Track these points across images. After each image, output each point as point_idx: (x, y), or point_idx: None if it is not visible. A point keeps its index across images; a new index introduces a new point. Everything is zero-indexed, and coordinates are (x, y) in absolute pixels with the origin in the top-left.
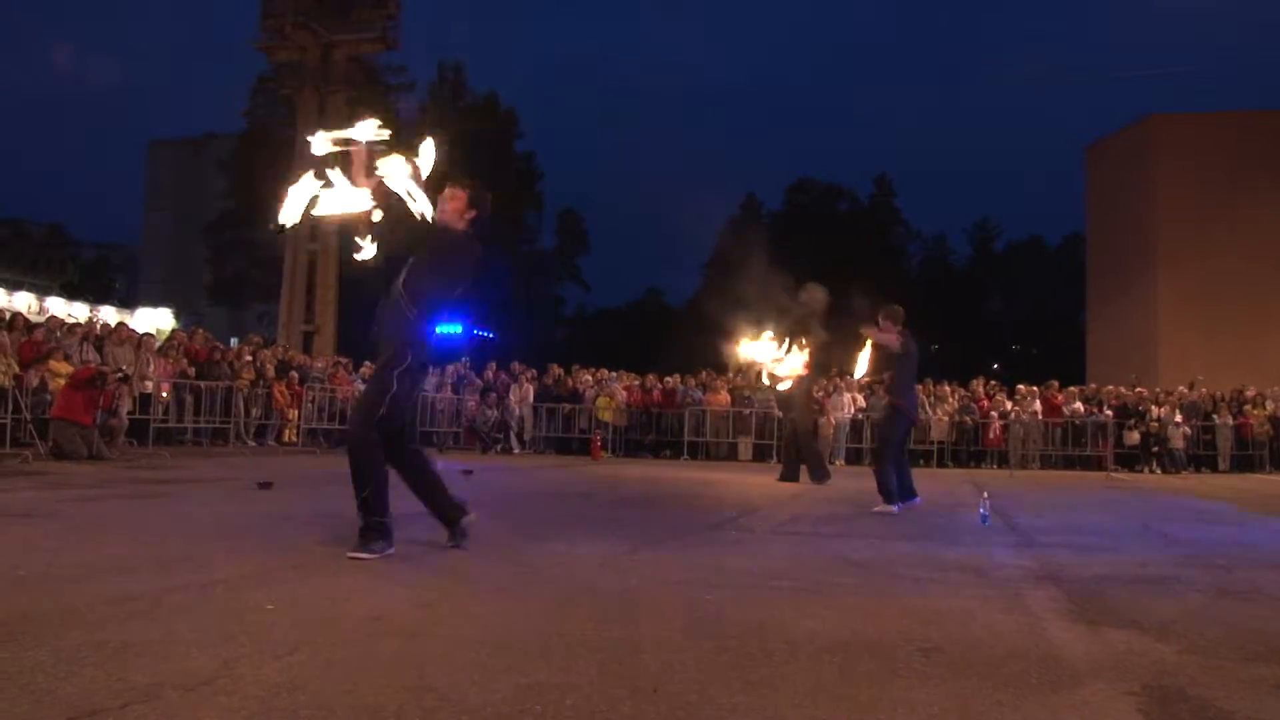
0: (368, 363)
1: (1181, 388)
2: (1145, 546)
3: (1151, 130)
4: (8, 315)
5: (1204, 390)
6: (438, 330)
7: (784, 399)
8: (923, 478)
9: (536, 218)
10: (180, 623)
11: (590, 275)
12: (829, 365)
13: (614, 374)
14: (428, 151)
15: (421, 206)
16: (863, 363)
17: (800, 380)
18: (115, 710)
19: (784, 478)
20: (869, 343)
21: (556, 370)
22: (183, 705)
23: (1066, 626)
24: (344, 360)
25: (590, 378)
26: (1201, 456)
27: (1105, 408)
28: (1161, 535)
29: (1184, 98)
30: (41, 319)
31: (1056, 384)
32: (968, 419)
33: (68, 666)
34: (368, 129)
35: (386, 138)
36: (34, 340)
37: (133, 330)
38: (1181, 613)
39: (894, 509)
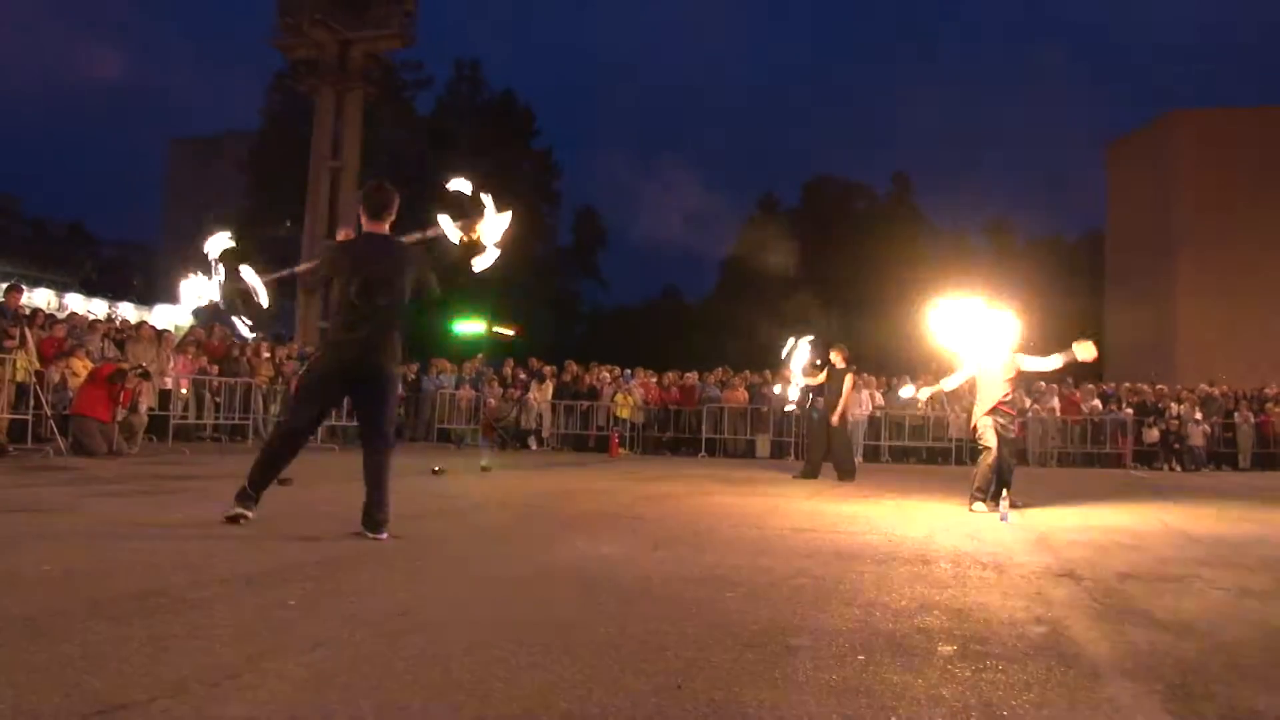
0: None
1: (1202, 385)
2: (1165, 544)
3: (1173, 126)
4: (28, 311)
5: (1225, 387)
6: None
7: (815, 392)
8: (941, 476)
9: (554, 215)
10: (204, 618)
11: (607, 272)
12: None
13: (629, 371)
14: None
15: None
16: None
17: (835, 373)
18: (143, 704)
19: (804, 475)
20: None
21: (574, 367)
22: (209, 700)
23: (1088, 624)
24: None
25: (608, 375)
26: (1222, 454)
27: (1124, 405)
28: (1181, 533)
29: (1204, 95)
30: (62, 315)
31: (1074, 381)
32: None
33: (95, 661)
34: None
35: None
36: (55, 337)
37: (152, 327)
38: (1204, 611)
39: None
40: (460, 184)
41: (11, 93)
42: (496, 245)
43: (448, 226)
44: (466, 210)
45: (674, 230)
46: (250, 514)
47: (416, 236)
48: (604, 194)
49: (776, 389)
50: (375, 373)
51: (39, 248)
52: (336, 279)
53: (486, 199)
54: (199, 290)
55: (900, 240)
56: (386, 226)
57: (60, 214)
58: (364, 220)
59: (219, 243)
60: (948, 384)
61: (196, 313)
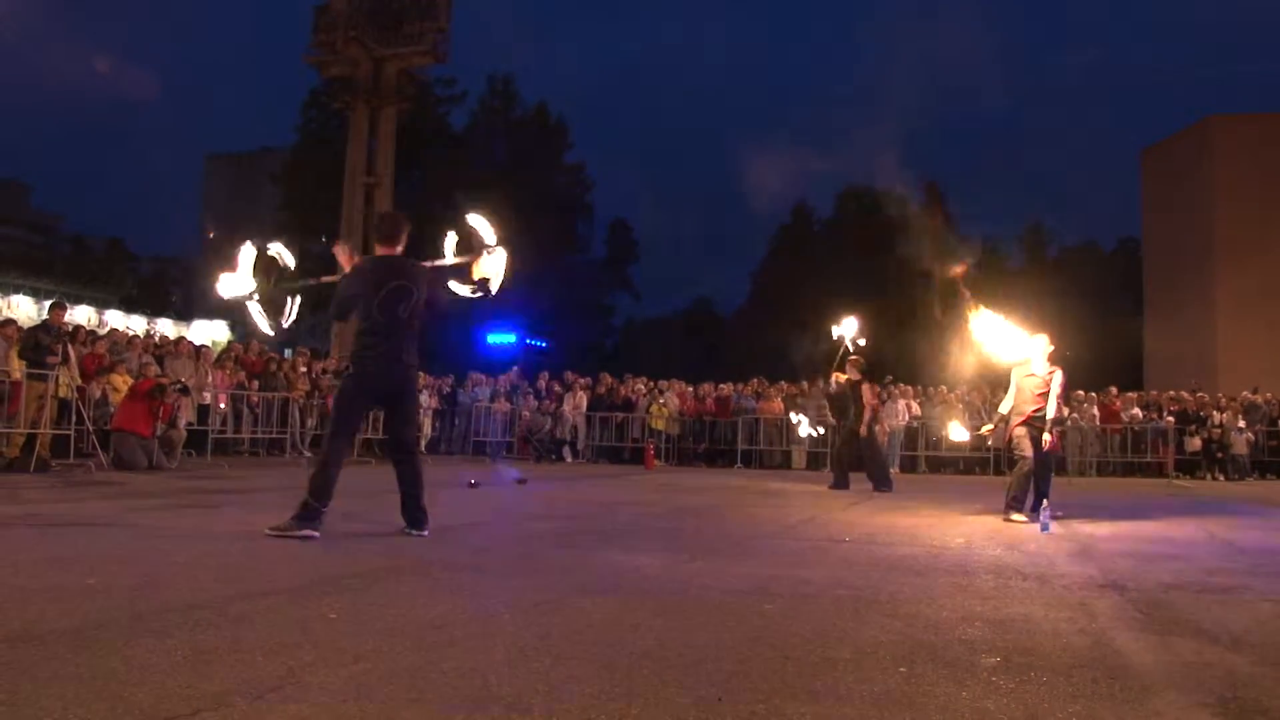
0: (422, 374)
1: (1245, 392)
2: (1211, 555)
3: (1209, 132)
4: (71, 328)
5: (1269, 395)
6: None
7: (836, 404)
8: (981, 486)
9: (587, 228)
10: (245, 631)
11: (640, 284)
12: (884, 373)
13: (664, 383)
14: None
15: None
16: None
17: (848, 384)
18: (187, 717)
19: (835, 485)
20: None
21: (609, 379)
22: (252, 713)
23: (1134, 636)
24: None
25: (643, 387)
26: (1266, 463)
27: (1165, 414)
28: (1227, 543)
29: (1239, 100)
30: (102, 331)
31: (1114, 390)
32: None
33: (139, 673)
34: None
35: None
36: (96, 353)
37: (191, 342)
38: (1253, 623)
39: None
40: (479, 221)
41: (50, 112)
42: (489, 285)
43: (453, 258)
44: (471, 243)
45: (706, 241)
46: (318, 533)
47: (431, 264)
48: (637, 205)
49: (793, 417)
50: (400, 388)
51: (80, 264)
52: (361, 299)
53: (492, 240)
54: (233, 285)
55: (933, 249)
56: (399, 249)
57: (100, 230)
58: (378, 245)
59: (250, 253)
60: (1003, 407)
61: (231, 309)
